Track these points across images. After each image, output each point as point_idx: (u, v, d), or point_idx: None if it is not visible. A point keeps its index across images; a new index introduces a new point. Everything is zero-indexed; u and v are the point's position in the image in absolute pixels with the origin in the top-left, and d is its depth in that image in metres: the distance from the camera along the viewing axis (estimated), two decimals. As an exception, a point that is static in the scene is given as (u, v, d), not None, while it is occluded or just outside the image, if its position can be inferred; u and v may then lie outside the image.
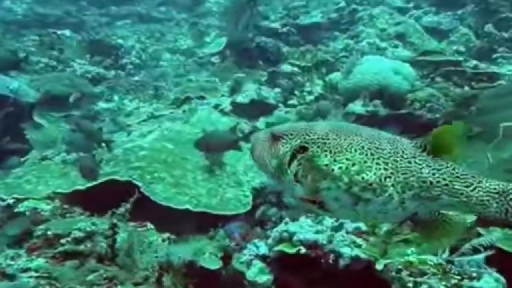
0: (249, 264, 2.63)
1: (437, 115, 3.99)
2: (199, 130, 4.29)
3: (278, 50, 7.04)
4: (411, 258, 1.96)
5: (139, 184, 3.23)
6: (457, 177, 1.23)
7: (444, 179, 1.23)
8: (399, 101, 4.79)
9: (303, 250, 2.29)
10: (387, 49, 6.84)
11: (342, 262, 2.15)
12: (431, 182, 1.23)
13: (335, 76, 5.38)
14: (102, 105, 6.55)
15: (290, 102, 5.67)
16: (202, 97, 5.38)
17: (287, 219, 2.62)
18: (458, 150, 1.25)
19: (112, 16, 11.37)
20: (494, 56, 6.91)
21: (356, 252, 2.13)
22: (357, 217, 1.34)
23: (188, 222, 3.16)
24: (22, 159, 4.23)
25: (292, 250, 2.31)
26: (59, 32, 8.71)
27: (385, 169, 1.26)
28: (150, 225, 2.96)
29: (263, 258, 2.64)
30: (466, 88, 5.00)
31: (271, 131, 1.46)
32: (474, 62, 6.26)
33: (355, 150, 1.29)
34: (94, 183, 3.30)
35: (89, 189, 3.31)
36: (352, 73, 5.07)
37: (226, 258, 2.87)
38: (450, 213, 1.29)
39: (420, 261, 1.92)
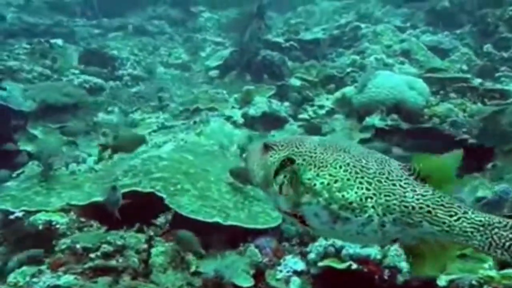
0: (287, 281, 2.46)
1: (463, 129, 3.92)
2: (214, 142, 4.13)
3: (284, 64, 7.00)
4: (491, 273, 1.81)
5: (163, 195, 3.03)
6: (442, 205, 1.18)
7: (428, 206, 1.18)
8: (416, 116, 4.76)
9: (354, 266, 2.12)
10: (394, 65, 6.87)
11: (400, 278, 1.99)
12: (413, 207, 1.18)
13: (349, 90, 5.32)
14: (102, 116, 6.37)
15: (301, 116, 5.58)
16: (213, 109, 5.23)
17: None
18: (451, 185, 1.19)
19: (104, 28, 11.28)
20: (497, 75, 7.02)
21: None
22: (336, 236, 1.29)
23: (215, 236, 2.96)
24: (17, 172, 3.98)
25: (341, 266, 2.14)
26: (52, 41, 8.57)
27: (367, 189, 1.21)
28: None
29: (300, 274, 2.48)
30: (480, 104, 5.02)
31: (265, 142, 1.43)
32: (479, 80, 6.34)
33: (340, 167, 1.25)
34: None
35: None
36: (367, 87, 5.03)
37: (259, 275, 2.68)
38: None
39: (503, 276, 1.77)
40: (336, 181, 1.24)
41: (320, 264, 2.24)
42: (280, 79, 6.71)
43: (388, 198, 1.20)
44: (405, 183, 1.21)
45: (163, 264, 2.30)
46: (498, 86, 5.76)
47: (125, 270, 2.11)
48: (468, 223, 1.15)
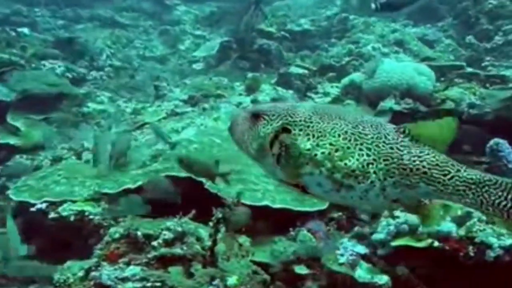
0: (352, 265, 2.35)
1: (485, 110, 3.98)
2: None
3: (280, 53, 6.91)
4: None
5: (202, 180, 2.83)
6: (437, 165, 1.20)
7: (424, 167, 1.21)
8: (427, 100, 4.80)
9: (436, 244, 2.04)
10: (389, 54, 6.94)
11: (491, 254, 1.93)
12: (411, 169, 1.21)
13: (357, 76, 5.29)
14: (93, 106, 6.01)
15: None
16: (220, 96, 5.03)
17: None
18: (444, 145, 1.24)
19: (69, 19, 10.66)
20: (483, 64, 7.27)
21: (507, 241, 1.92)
22: (338, 201, 1.32)
23: (260, 220, 2.80)
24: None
25: (421, 244, 2.05)
26: (18, 29, 8.05)
27: (368, 155, 1.24)
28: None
29: (364, 257, 2.38)
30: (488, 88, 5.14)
31: (251, 110, 1.40)
32: (470, 69, 6.53)
33: (339, 135, 1.26)
34: (145, 180, 2.83)
35: (140, 187, 2.84)
36: (377, 73, 5.02)
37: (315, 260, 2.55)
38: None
39: None
40: (337, 150, 1.24)
41: (394, 243, 2.14)
42: (276, 68, 6.61)
43: (387, 162, 1.22)
44: (401, 146, 1.23)
45: (225, 251, 2.11)
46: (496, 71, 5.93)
47: (194, 258, 1.91)
48: (461, 182, 1.18)
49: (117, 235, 2.08)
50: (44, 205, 2.71)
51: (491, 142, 2.70)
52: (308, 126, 1.29)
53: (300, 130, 1.29)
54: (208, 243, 2.10)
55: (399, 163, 1.22)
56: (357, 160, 1.24)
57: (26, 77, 6.21)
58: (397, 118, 4.29)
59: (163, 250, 1.92)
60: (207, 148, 3.17)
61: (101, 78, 7.27)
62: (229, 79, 5.85)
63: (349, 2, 8.38)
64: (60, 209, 2.63)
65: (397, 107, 4.41)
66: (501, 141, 2.68)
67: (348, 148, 1.24)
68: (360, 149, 1.24)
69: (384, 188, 1.23)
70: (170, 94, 6.08)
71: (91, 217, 2.58)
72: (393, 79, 4.86)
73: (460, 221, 2.13)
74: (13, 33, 7.80)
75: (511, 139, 3.41)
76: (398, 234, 2.18)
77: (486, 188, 1.16)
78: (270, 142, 1.32)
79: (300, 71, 6.06)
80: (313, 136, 1.27)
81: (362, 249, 2.43)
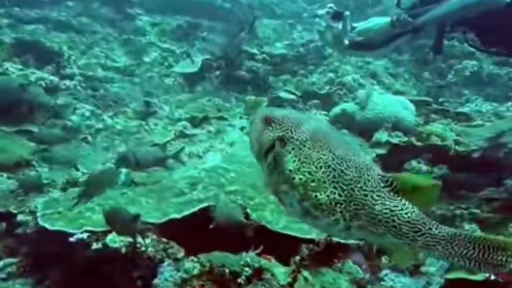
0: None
1: (472, 148, 4.47)
2: (248, 153, 4.02)
3: (267, 77, 7.09)
4: None
5: (248, 211, 2.86)
6: (408, 221, 1.25)
7: (393, 221, 1.25)
8: (414, 134, 5.25)
9: (492, 277, 2.28)
10: (366, 85, 7.45)
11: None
12: (379, 220, 1.26)
13: (349, 106, 5.64)
14: (76, 119, 5.68)
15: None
16: (222, 118, 5.06)
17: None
18: (426, 206, 1.29)
19: (16, 18, 9.95)
20: (440, 100, 8.10)
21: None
22: (309, 225, 1.41)
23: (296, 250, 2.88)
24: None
25: (478, 277, 2.29)
26: None
27: (339, 195, 1.28)
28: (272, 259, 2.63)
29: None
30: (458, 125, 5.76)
31: (267, 113, 1.50)
32: (434, 105, 7.25)
33: (320, 167, 1.31)
34: (191, 210, 2.79)
35: (185, 217, 2.79)
36: (369, 104, 5.40)
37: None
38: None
39: None
40: (313, 181, 1.30)
41: (449, 276, 2.36)
42: (264, 91, 6.77)
43: (357, 207, 1.26)
44: (377, 195, 1.26)
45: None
46: (462, 109, 6.63)
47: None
48: (432, 238, 1.23)
49: (196, 271, 2.04)
50: (85, 235, 2.55)
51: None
52: (300, 149, 1.35)
53: (293, 149, 1.35)
54: (282, 278, 2.15)
55: (369, 211, 1.25)
56: (327, 196, 1.28)
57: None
58: (396, 151, 4.66)
59: None
60: (242, 177, 3.20)
61: (75, 87, 6.87)
62: (222, 100, 5.88)
63: (323, 37, 8.83)
64: (108, 239, 2.49)
65: (394, 140, 4.78)
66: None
67: (324, 182, 1.29)
68: (334, 187, 1.28)
69: (349, 227, 1.28)
70: (160, 112, 5.95)
71: (143, 249, 2.48)
72: (385, 112, 5.27)
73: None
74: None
75: (498, 177, 3.89)
76: (451, 266, 2.40)
77: (456, 242, 1.22)
78: (266, 149, 1.40)
79: (289, 96, 6.29)
80: (299, 160, 1.33)
81: (405, 280, 2.62)
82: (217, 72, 7.18)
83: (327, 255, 2.90)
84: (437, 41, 2.97)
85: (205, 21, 9.94)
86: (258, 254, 2.34)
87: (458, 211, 3.25)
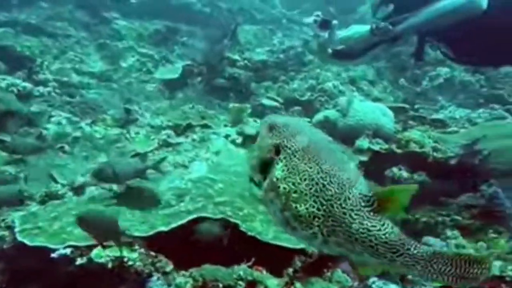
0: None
1: (449, 155, 4.61)
2: (234, 162, 4.01)
3: (249, 84, 7.10)
4: None
5: (238, 222, 2.83)
6: (385, 242, 1.25)
7: (370, 241, 1.25)
8: (393, 141, 5.37)
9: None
10: (346, 92, 7.57)
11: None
12: (356, 239, 1.25)
13: (332, 113, 5.71)
14: (53, 127, 5.49)
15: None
16: (206, 126, 5.02)
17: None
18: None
19: None
20: (416, 107, 8.33)
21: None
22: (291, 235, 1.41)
23: (290, 262, 2.89)
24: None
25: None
26: None
27: (318, 209, 1.28)
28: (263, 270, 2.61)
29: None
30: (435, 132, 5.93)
31: (273, 119, 1.49)
32: (411, 112, 7.45)
33: (304, 180, 1.31)
34: (180, 222, 2.74)
35: (172, 230, 2.73)
36: (351, 111, 5.49)
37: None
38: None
39: None
40: (295, 192, 1.30)
41: (436, 284, 2.41)
42: (246, 98, 6.78)
43: (334, 223, 1.25)
44: (356, 214, 1.25)
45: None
46: (437, 115, 6.84)
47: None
48: (410, 258, 1.24)
49: (188, 286, 2.00)
50: (68, 251, 2.45)
51: (490, 190, 3.18)
52: (290, 158, 1.35)
53: (284, 158, 1.36)
54: (275, 290, 2.14)
55: (346, 229, 1.24)
56: (306, 209, 1.27)
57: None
58: (377, 158, 4.75)
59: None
60: (230, 188, 3.18)
61: (49, 94, 6.66)
62: (205, 107, 5.83)
63: (308, 45, 8.94)
64: (93, 254, 2.40)
65: (375, 147, 4.87)
66: (497, 189, 3.19)
67: (305, 195, 1.28)
68: (314, 201, 1.27)
69: (327, 242, 1.27)
70: (141, 119, 5.84)
71: (130, 263, 2.41)
72: (366, 119, 5.37)
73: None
74: None
75: (474, 183, 4.03)
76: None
77: (435, 260, 1.25)
78: (260, 156, 1.38)
79: (272, 103, 6.32)
80: (287, 169, 1.33)
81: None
82: (199, 79, 7.13)
83: (318, 265, 2.91)
84: (418, 48, 3.01)
85: (184, 25, 9.86)
86: (250, 266, 2.32)
87: (440, 218, 3.33)
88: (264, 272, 2.40)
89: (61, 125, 5.57)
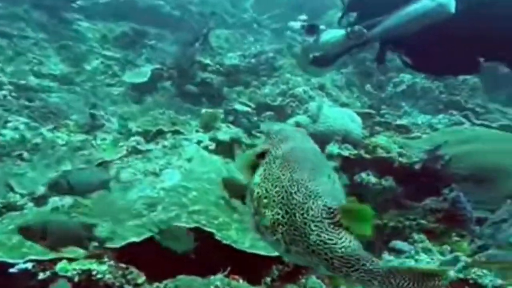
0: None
1: (414, 160, 4.78)
2: (207, 169, 3.97)
3: (221, 89, 7.08)
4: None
5: (212, 231, 2.80)
6: (341, 257, 1.24)
7: (326, 254, 1.24)
8: (361, 147, 5.51)
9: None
10: (315, 98, 7.71)
11: (484, 293, 2.41)
12: (313, 251, 1.25)
13: (302, 119, 5.78)
14: (8, 133, 5.21)
15: (255, 142, 5.73)
16: (178, 132, 4.94)
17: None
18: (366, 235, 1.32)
19: None
20: (381, 112, 8.62)
21: (499, 281, 2.43)
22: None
23: (267, 270, 2.89)
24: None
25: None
26: None
27: (282, 217, 1.29)
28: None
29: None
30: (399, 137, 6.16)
31: (269, 126, 1.58)
32: (377, 117, 7.70)
33: (275, 187, 1.33)
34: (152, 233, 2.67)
35: (144, 241, 2.65)
36: (321, 117, 5.58)
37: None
38: None
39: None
40: (266, 197, 1.32)
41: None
42: (218, 103, 6.74)
43: (295, 233, 1.26)
44: (315, 225, 1.25)
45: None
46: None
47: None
48: (366, 273, 1.22)
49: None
50: (29, 265, 2.31)
51: (452, 194, 3.33)
52: (270, 164, 1.37)
53: (266, 163, 1.38)
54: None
55: (305, 239, 1.24)
56: (272, 215, 1.28)
57: None
58: (346, 163, 4.86)
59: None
60: (205, 196, 3.14)
61: (4, 98, 6.32)
62: (176, 112, 5.74)
63: (292, 50, 8.98)
64: (58, 268, 2.28)
65: (344, 153, 4.98)
66: (459, 193, 3.34)
67: (273, 201, 1.30)
68: (280, 208, 1.28)
69: (289, 250, 1.28)
70: (108, 125, 5.65)
71: (99, 276, 2.31)
72: (336, 125, 5.49)
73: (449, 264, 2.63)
74: None
75: (436, 188, 4.20)
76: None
77: (392, 275, 1.22)
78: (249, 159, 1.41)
79: (244, 108, 6.32)
80: (264, 175, 1.35)
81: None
82: (169, 83, 7.01)
83: (294, 272, 2.93)
84: (379, 53, 3.07)
85: (153, 28, 9.67)
86: (226, 276, 2.30)
87: (407, 222, 3.45)
88: (241, 281, 2.38)
89: (19, 131, 5.29)
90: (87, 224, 2.44)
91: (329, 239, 1.23)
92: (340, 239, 1.22)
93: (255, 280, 2.56)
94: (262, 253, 2.79)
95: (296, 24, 2.75)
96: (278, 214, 1.27)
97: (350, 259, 1.22)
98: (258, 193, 1.31)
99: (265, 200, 1.30)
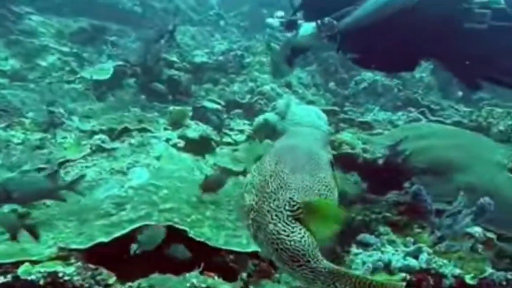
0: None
1: (377, 155, 4.95)
2: (177, 167, 3.92)
3: (189, 86, 6.98)
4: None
5: (186, 229, 2.76)
6: (287, 249, 1.26)
7: (277, 245, 1.28)
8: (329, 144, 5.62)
9: (408, 277, 2.55)
10: (282, 95, 7.79)
11: (447, 282, 2.54)
12: (268, 239, 1.29)
13: (271, 116, 5.81)
14: None
15: (224, 140, 5.70)
16: (145, 130, 4.82)
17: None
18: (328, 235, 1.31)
19: None
20: (345, 109, 8.85)
21: (457, 271, 2.56)
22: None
23: (242, 266, 2.89)
24: None
25: (397, 277, 2.55)
26: None
27: (256, 203, 1.36)
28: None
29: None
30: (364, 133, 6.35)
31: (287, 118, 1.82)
32: (342, 114, 7.90)
33: (259, 175, 1.41)
34: (122, 232, 2.59)
35: (114, 240, 2.57)
36: (289, 114, 5.64)
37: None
38: None
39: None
40: (250, 183, 1.41)
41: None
42: (185, 102, 6.64)
43: (261, 220, 1.31)
44: (275, 215, 1.29)
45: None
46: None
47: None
48: (309, 272, 1.23)
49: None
50: (-8, 270, 2.17)
51: (413, 188, 3.48)
52: (266, 155, 1.47)
53: (266, 154, 1.49)
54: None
55: (264, 227, 1.29)
56: (249, 201, 1.37)
57: None
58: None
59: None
60: (177, 194, 3.08)
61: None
62: (142, 110, 5.59)
63: (271, 48, 8.95)
64: (20, 271, 2.15)
65: (312, 149, 5.07)
66: (420, 186, 3.50)
67: (253, 188, 1.38)
68: (256, 195, 1.35)
69: (256, 237, 1.33)
70: (69, 123, 5.40)
71: (66, 278, 2.20)
72: (303, 122, 5.55)
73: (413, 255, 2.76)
74: None
75: (398, 181, 4.37)
76: (375, 270, 2.64)
77: (336, 278, 1.21)
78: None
79: (214, 106, 6.26)
80: (258, 164, 1.46)
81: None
82: (133, 80, 6.81)
83: (268, 267, 2.94)
84: (340, 41, 3.07)
85: (114, 25, 9.35)
86: (201, 272, 2.27)
87: (374, 216, 3.57)
88: (216, 278, 2.37)
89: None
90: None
91: (283, 230, 1.24)
92: (293, 232, 1.22)
93: (230, 276, 2.55)
94: (236, 249, 2.79)
95: (275, 21, 2.76)
96: (253, 200, 1.32)
97: (296, 253, 1.22)
98: (247, 180, 1.38)
99: (248, 187, 1.36)
